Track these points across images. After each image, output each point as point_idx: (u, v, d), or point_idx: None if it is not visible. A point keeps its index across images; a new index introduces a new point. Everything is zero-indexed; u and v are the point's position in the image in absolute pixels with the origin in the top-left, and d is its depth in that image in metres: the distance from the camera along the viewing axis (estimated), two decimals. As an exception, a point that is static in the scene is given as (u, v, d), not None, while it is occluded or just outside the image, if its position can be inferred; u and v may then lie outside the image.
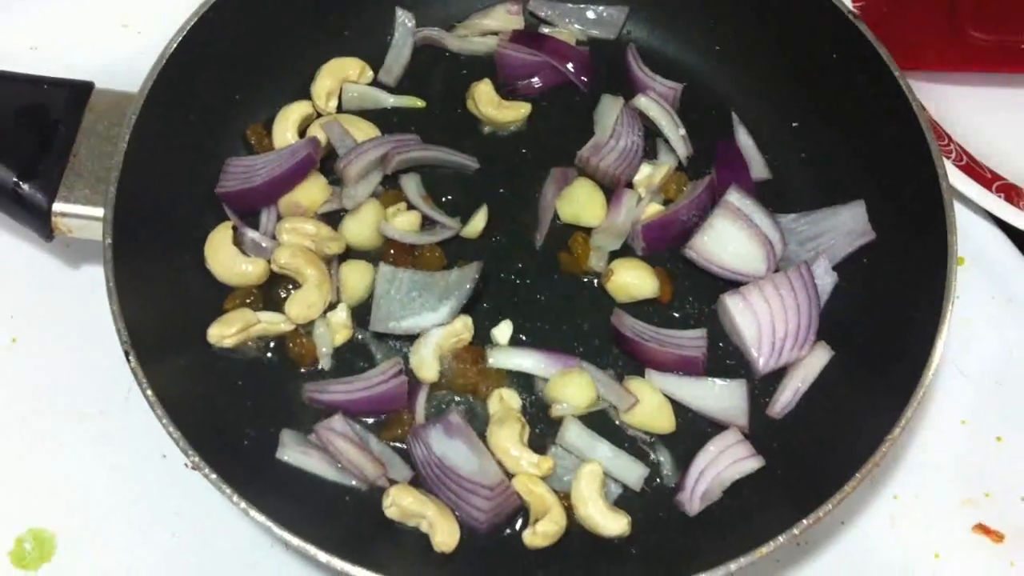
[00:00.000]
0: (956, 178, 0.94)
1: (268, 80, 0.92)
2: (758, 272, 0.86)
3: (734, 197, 0.87)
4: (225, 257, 0.84)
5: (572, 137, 0.92)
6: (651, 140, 0.93)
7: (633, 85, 0.96)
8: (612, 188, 0.91)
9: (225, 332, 0.80)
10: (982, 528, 0.82)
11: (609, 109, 0.93)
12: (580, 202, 0.89)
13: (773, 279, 0.85)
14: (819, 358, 0.84)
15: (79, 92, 0.85)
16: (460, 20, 0.99)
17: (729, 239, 0.87)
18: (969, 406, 0.88)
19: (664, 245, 0.89)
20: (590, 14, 0.99)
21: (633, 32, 0.99)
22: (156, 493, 0.81)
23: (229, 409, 0.79)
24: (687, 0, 0.97)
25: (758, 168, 0.94)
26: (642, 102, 0.94)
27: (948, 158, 0.95)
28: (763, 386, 0.84)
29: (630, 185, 0.91)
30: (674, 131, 0.94)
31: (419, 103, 0.95)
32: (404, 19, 0.97)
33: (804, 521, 0.71)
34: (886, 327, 0.84)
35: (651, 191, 0.90)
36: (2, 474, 0.81)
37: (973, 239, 0.94)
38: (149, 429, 0.78)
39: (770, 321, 0.84)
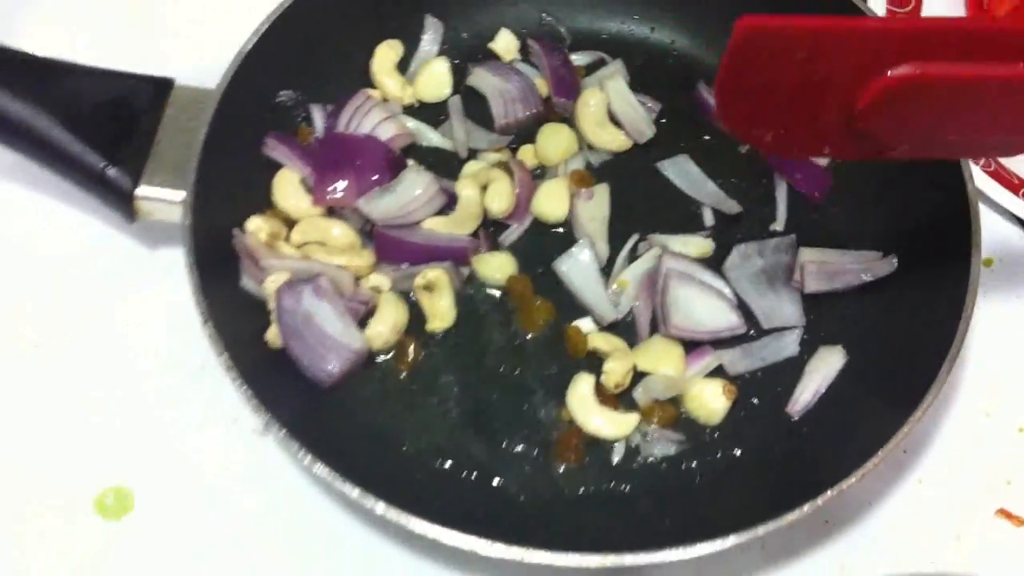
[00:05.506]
0: (983, 182, 0.98)
1: (334, 75, 0.99)
2: (736, 327, 0.89)
3: (671, 263, 0.90)
4: (292, 189, 0.92)
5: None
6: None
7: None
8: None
9: (278, 279, 0.86)
10: (1004, 512, 0.86)
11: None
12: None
13: None
14: (834, 362, 0.88)
15: (161, 87, 0.92)
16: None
17: (695, 302, 0.89)
18: (994, 400, 0.91)
19: None
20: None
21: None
22: (226, 455, 0.86)
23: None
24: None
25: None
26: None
27: (976, 163, 0.99)
28: (785, 389, 0.88)
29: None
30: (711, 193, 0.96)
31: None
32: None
33: (828, 492, 0.75)
34: (910, 324, 0.88)
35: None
36: (86, 433, 0.87)
37: (1000, 241, 0.98)
38: (221, 395, 0.85)
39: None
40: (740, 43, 0.66)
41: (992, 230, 0.98)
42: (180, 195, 0.86)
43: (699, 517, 0.80)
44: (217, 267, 0.85)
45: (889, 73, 0.67)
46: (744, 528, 0.74)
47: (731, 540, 0.74)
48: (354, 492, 0.75)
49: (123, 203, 0.89)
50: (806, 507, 0.75)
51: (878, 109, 0.69)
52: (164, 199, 0.88)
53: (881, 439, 0.78)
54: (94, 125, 0.89)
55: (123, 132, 0.89)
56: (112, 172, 0.88)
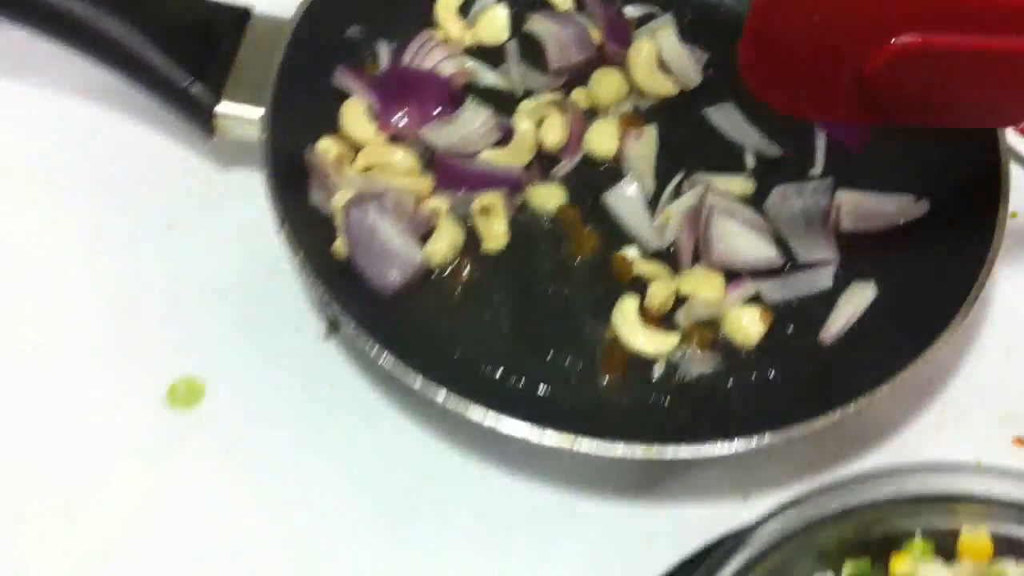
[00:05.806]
0: (1015, 140, 1.03)
1: (399, 15, 1.04)
2: (773, 260, 0.94)
3: (714, 199, 0.95)
4: (359, 117, 0.98)
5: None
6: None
7: None
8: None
9: (346, 195, 0.92)
10: (1020, 441, 0.91)
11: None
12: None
13: None
14: (865, 296, 0.94)
15: (240, 15, 0.98)
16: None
17: (736, 236, 0.94)
18: (1014, 339, 0.96)
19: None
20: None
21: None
22: (289, 361, 0.92)
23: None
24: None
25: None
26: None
27: (1007, 121, 1.04)
28: (818, 318, 0.94)
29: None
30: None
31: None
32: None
33: (860, 398, 0.81)
34: (939, 265, 0.93)
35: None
36: (161, 330, 0.93)
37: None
38: (287, 304, 0.92)
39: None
40: (761, 7, 0.71)
41: (1020, 185, 1.03)
42: (258, 112, 0.92)
43: (736, 424, 0.85)
44: (288, 184, 0.91)
45: (893, 40, 0.71)
46: (780, 429, 0.79)
47: (767, 439, 0.79)
48: (417, 382, 0.80)
49: (203, 119, 0.95)
50: (838, 413, 0.81)
51: (883, 75, 0.73)
52: (243, 116, 0.94)
53: (908, 363, 0.84)
54: (181, 45, 0.95)
55: (206, 54, 0.95)
56: (196, 89, 0.94)
